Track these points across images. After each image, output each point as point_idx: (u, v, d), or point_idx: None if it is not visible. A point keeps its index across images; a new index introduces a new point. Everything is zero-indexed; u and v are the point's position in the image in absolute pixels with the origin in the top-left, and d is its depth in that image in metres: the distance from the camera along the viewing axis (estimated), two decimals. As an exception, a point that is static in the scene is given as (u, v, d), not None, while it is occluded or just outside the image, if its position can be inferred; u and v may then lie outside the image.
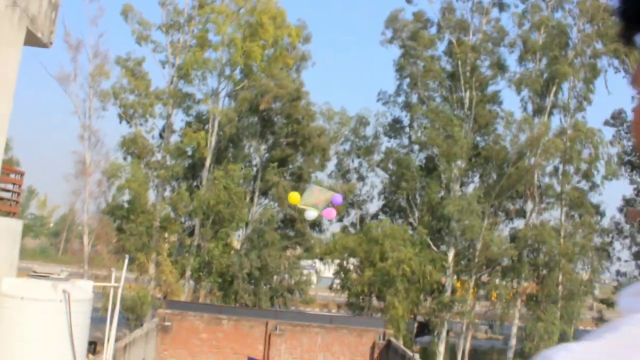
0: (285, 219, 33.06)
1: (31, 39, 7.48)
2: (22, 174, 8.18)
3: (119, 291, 7.77)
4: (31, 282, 7.00)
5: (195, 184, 33.27)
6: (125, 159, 32.35)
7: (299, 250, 34.13)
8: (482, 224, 31.72)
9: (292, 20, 35.03)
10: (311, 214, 8.94)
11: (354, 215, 36.89)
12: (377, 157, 36.81)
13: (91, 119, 32.69)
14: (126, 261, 8.19)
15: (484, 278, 34.41)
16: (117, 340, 8.79)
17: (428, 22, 37.03)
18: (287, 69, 33.60)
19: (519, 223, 35.72)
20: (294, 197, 9.18)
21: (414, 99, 36.84)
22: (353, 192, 35.40)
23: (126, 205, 31.66)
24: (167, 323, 17.29)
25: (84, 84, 32.92)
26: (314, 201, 8.12)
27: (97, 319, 11.30)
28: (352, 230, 35.56)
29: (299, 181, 32.66)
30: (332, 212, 9.50)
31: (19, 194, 8.18)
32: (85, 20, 34.98)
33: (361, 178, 37.59)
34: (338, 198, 9.26)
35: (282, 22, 33.25)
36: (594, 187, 35.08)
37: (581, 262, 33.83)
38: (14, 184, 7.86)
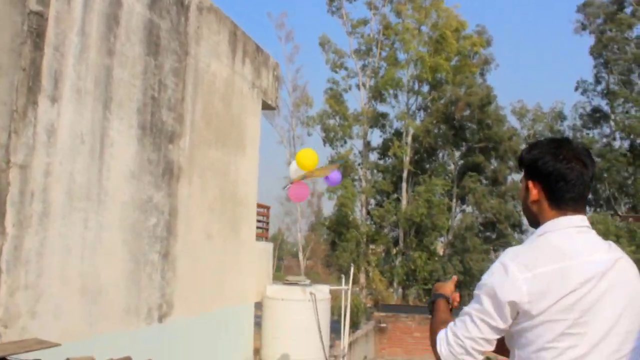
0: (485, 222, 33.32)
1: (264, 106, 10.03)
2: (268, 208, 10.74)
3: (349, 293, 9.83)
4: (286, 287, 9.38)
5: (395, 196, 34.89)
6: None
7: (501, 252, 34.04)
8: None
9: (470, 23, 35.35)
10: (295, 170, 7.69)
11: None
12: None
13: (295, 147, 36.25)
14: (351, 271, 10.12)
15: None
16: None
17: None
18: (472, 75, 34.00)
19: None
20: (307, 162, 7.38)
21: (614, 86, 35.25)
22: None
23: (335, 221, 34.27)
24: (382, 324, 19.24)
25: (287, 115, 36.85)
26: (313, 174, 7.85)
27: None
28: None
29: (495, 185, 32.92)
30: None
31: (267, 222, 10.81)
32: (283, 59, 38.95)
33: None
34: (335, 176, 8.30)
35: (464, 31, 34.14)
36: None
37: None
38: (263, 215, 10.40)
